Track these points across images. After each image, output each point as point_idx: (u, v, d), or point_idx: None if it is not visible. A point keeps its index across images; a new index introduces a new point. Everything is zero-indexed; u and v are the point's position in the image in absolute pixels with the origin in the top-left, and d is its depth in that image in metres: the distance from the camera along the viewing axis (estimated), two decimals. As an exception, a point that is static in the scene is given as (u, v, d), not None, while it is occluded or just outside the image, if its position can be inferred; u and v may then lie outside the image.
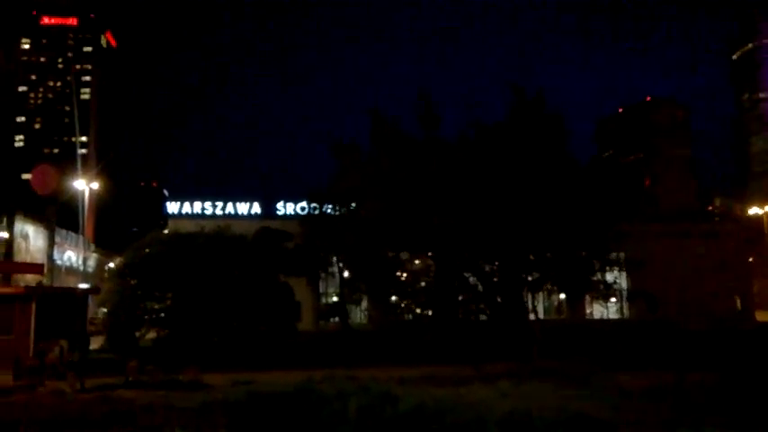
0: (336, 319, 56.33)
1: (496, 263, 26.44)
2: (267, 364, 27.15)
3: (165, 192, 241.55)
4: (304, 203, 61.19)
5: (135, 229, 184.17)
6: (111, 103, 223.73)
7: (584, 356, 23.46)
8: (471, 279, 28.28)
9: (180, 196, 63.23)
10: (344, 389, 11.34)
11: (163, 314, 33.72)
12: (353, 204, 31.62)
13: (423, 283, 28.92)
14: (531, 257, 26.44)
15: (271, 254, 41.15)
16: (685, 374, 16.82)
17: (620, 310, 65.81)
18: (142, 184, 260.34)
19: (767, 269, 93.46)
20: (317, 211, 56.62)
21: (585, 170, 29.03)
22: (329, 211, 52.44)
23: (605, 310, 61.55)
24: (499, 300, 27.22)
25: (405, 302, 30.67)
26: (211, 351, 29.23)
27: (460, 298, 27.42)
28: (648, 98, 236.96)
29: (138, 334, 33.78)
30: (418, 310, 32.25)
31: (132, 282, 34.34)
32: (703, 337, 32.79)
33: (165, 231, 70.94)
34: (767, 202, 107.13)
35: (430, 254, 27.40)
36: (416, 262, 29.19)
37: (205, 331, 32.10)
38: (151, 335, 34.26)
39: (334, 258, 56.03)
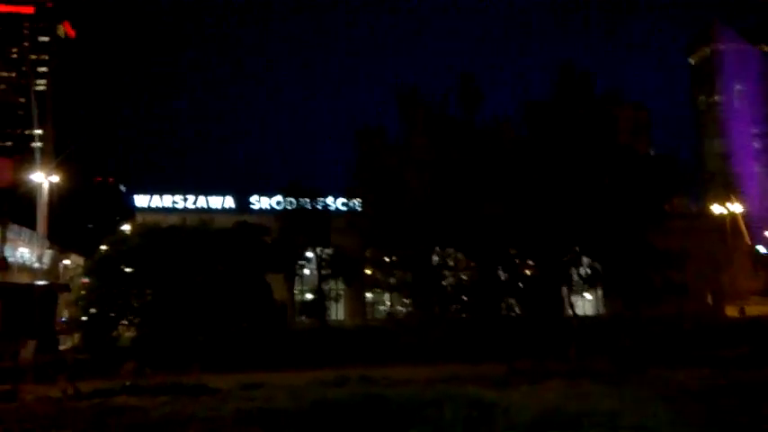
0: (303, 317, 54.36)
1: (534, 257, 25.17)
2: (261, 364, 25.49)
3: (123, 188, 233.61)
4: (279, 197, 59.27)
5: (90, 226, 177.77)
6: (68, 96, 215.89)
7: (602, 353, 22.50)
8: (502, 274, 26.94)
9: (145, 191, 60.52)
10: (422, 395, 9.75)
11: (143, 311, 31.63)
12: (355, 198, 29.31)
13: (452, 279, 27.35)
14: (576, 251, 25.29)
15: (250, 249, 39.39)
16: (728, 372, 16.03)
17: (596, 305, 65.74)
18: (99, 179, 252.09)
19: (731, 265, 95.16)
20: (292, 206, 54.98)
21: (642, 159, 27.94)
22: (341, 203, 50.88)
23: (582, 305, 61.41)
24: (534, 296, 26.03)
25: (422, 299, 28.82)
26: (198, 350, 27.33)
27: (494, 294, 25.97)
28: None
29: (114, 333, 31.63)
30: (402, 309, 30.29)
31: (109, 277, 32.13)
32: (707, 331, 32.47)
33: (124, 228, 68.45)
34: (724, 201, 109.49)
35: (460, 248, 25.83)
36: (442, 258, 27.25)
37: (189, 329, 30.16)
38: (129, 333, 32.14)
39: (311, 254, 54.50)
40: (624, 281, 26.04)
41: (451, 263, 26.86)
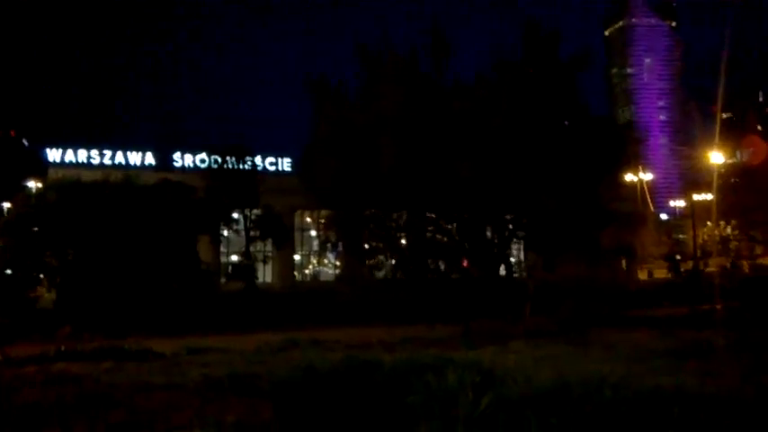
0: (226, 280, 52.91)
1: (490, 217, 24.99)
2: (193, 328, 24.38)
3: (26, 142, 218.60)
4: (204, 155, 57.11)
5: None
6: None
7: (540, 313, 22.88)
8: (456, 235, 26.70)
9: (56, 144, 56.55)
10: (416, 359, 9.21)
11: (64, 272, 29.71)
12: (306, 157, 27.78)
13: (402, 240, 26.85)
14: (533, 211, 25.28)
15: (176, 209, 37.77)
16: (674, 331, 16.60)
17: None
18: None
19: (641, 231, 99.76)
20: (218, 164, 53.07)
21: (599, 121, 28.19)
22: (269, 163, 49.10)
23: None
24: (486, 256, 25.98)
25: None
26: (125, 313, 25.96)
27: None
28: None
29: (32, 294, 29.60)
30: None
31: (25, 236, 29.90)
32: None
33: (30, 184, 64.46)
34: (635, 170, 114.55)
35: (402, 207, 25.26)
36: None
37: (115, 291, 28.56)
38: (49, 295, 30.17)
39: (236, 215, 52.94)
40: (578, 241, 26.69)
41: (401, 223, 26.55)
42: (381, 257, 26.50)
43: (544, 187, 23.56)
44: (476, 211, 23.31)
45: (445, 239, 25.62)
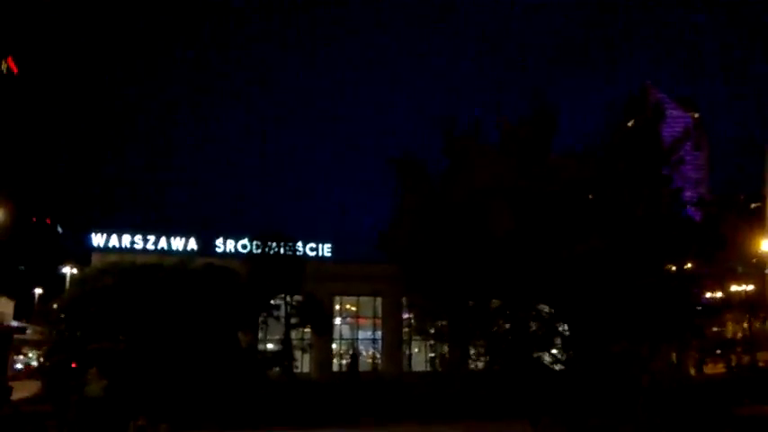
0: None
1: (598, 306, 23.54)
2: (263, 420, 23.20)
3: (60, 229, 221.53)
4: (246, 241, 57.03)
5: (22, 268, 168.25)
6: (8, 134, 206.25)
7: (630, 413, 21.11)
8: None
9: (101, 230, 56.84)
10: None
11: (116, 359, 28.66)
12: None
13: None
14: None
15: (223, 294, 37.03)
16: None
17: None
18: (34, 219, 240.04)
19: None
20: (259, 249, 52.70)
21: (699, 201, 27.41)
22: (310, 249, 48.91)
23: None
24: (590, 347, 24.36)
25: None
26: (186, 402, 24.75)
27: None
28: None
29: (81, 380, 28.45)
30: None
31: (75, 320, 29.18)
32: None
33: (65, 270, 64.63)
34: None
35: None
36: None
37: (170, 379, 27.40)
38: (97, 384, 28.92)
39: (280, 302, 51.96)
40: (692, 331, 25.22)
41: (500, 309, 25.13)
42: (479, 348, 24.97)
43: (660, 264, 22.45)
44: (585, 292, 22.03)
45: (544, 328, 24.20)
